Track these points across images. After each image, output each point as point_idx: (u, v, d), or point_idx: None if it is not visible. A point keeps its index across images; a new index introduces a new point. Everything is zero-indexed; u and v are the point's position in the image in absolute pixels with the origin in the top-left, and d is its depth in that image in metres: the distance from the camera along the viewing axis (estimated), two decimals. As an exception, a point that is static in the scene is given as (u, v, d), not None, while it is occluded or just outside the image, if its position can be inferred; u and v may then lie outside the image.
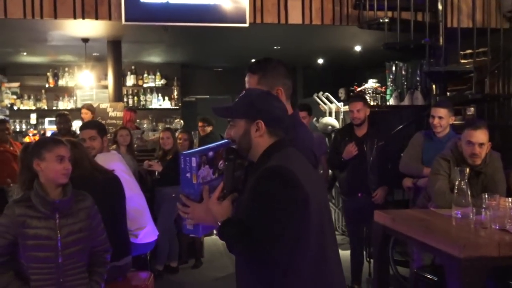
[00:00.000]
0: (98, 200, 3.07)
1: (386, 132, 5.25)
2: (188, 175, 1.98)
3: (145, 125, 9.43)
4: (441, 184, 3.57)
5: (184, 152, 2.01)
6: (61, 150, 2.81)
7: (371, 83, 7.08)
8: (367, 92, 6.93)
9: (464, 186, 3.07)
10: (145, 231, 4.02)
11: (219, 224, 1.96)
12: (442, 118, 4.36)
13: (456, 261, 2.60)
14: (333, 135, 7.46)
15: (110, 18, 6.71)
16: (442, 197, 3.51)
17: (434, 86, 6.40)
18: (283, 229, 1.85)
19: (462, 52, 7.03)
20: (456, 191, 3.11)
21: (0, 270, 2.79)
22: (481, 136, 3.50)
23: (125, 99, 10.36)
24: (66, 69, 10.67)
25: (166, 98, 11.04)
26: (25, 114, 10.67)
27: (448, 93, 6.58)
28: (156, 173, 5.71)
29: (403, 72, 7.01)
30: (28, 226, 2.73)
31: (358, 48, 9.41)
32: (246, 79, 2.53)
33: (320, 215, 1.97)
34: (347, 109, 7.14)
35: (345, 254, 6.42)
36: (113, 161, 3.98)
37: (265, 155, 2.01)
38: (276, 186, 1.87)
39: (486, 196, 2.98)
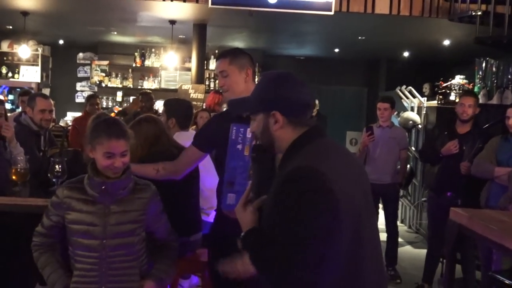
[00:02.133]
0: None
1: (489, 133, 4.93)
2: (239, 146, 1.83)
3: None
4: (525, 185, 3.40)
5: (236, 123, 1.89)
6: (112, 146, 2.42)
7: (458, 79, 6.81)
8: (453, 88, 6.67)
9: (549, 190, 2.92)
10: (216, 210, 4.07)
11: (242, 234, 1.72)
12: None
13: (534, 266, 2.48)
14: (413, 130, 7.30)
15: (197, 1, 6.82)
16: (524, 200, 3.34)
17: (525, 85, 6.09)
18: (309, 239, 1.57)
19: (559, 51, 6.62)
20: (540, 194, 2.96)
21: (40, 250, 2.57)
22: None
23: (207, 82, 10.53)
24: (153, 50, 10.96)
25: (247, 83, 11.07)
26: (112, 91, 11.13)
27: (541, 93, 6.23)
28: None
29: (494, 69, 6.68)
30: (73, 209, 2.48)
31: (446, 43, 9.07)
32: (216, 65, 2.93)
33: (357, 221, 1.67)
34: (430, 105, 6.98)
35: (416, 252, 6.29)
36: (190, 140, 4.06)
37: (292, 151, 1.72)
38: (302, 190, 1.59)
39: None
